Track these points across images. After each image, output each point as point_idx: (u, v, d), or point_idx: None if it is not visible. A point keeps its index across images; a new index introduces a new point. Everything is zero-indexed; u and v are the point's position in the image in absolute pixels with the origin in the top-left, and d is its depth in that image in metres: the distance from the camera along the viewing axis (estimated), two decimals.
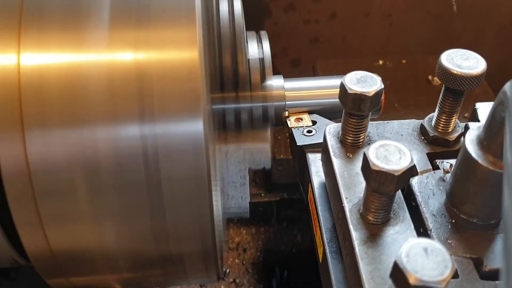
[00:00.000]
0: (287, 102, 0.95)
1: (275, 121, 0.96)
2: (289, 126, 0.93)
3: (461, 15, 1.70)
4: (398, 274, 0.56)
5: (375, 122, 0.85)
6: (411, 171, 0.65)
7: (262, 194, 1.56)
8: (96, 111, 0.65)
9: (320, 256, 0.83)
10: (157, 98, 0.65)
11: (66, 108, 0.64)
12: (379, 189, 0.66)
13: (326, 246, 0.80)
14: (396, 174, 0.64)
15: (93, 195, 0.68)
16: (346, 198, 0.74)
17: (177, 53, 0.66)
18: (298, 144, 0.91)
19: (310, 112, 0.96)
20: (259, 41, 0.94)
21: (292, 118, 0.94)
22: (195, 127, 0.66)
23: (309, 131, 0.92)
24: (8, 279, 0.88)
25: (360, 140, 0.80)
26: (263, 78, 0.92)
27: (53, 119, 0.64)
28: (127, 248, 0.75)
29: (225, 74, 0.87)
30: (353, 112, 0.77)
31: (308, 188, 0.89)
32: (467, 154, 0.66)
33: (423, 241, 0.57)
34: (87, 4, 0.66)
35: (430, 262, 0.55)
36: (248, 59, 0.90)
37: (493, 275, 0.67)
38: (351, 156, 0.80)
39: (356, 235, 0.70)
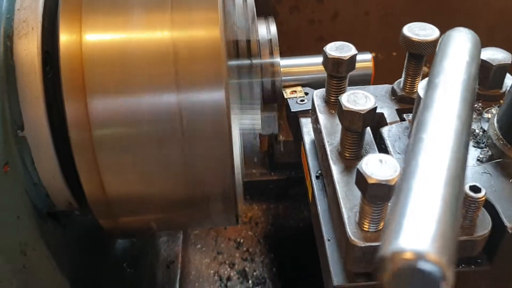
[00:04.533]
0: (290, 77, 1.13)
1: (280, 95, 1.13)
2: (285, 97, 1.12)
3: (453, 12, 1.87)
4: (360, 178, 0.73)
5: (353, 87, 1.03)
6: (374, 111, 0.83)
7: (272, 173, 1.75)
8: (140, 81, 0.80)
9: (310, 196, 1.00)
10: (188, 70, 0.80)
11: (118, 77, 0.80)
12: (350, 126, 0.84)
13: (314, 185, 0.98)
14: (362, 112, 0.82)
15: (137, 147, 0.83)
16: (328, 141, 0.92)
17: (203, 32, 0.82)
18: (292, 110, 1.10)
19: (302, 85, 1.15)
20: (268, 25, 1.11)
21: (288, 90, 1.13)
22: (218, 93, 0.81)
23: (302, 100, 1.11)
24: (60, 224, 0.96)
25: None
26: (271, 55, 1.09)
27: (109, 84, 0.80)
28: (165, 191, 0.89)
29: (240, 48, 1.02)
30: (333, 74, 0.96)
31: (301, 147, 1.07)
32: None
33: (380, 155, 0.74)
34: None
35: (383, 168, 0.73)
36: (258, 39, 1.06)
37: None
38: (333, 112, 0.98)
39: (334, 168, 0.88)
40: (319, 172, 0.98)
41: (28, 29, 0.81)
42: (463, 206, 0.77)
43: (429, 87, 0.60)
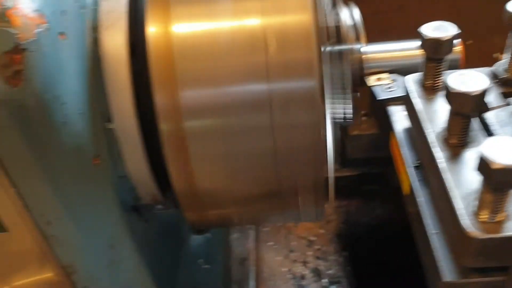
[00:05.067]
0: (376, 64, 1.08)
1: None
2: (368, 85, 1.06)
3: None
4: (482, 164, 0.67)
5: (450, 71, 0.96)
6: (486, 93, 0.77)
7: (342, 169, 1.68)
8: (231, 70, 0.78)
9: (407, 188, 0.94)
10: (279, 58, 0.78)
11: (209, 67, 0.78)
12: (460, 110, 0.78)
13: (411, 176, 0.92)
14: (473, 94, 0.76)
15: (228, 138, 0.81)
16: (429, 129, 0.86)
17: (294, 18, 0.79)
18: (378, 98, 1.04)
19: (390, 72, 1.08)
20: (351, 12, 1.06)
21: (372, 78, 1.07)
22: (311, 81, 0.78)
23: (389, 87, 1.05)
24: (143, 219, 0.96)
25: (439, 84, 0.92)
26: (357, 38, 1.04)
27: (199, 75, 0.78)
28: (254, 183, 0.87)
29: (330, 34, 0.96)
30: (431, 57, 0.90)
31: (389, 138, 1.02)
32: None
33: (502, 138, 0.68)
34: None
35: (508, 152, 0.67)
36: (347, 24, 1.01)
37: None
38: (431, 97, 0.92)
39: (440, 156, 0.82)
40: (419, 162, 0.92)
41: (114, 20, 0.80)
42: None
43: None
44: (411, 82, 0.94)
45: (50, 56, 0.67)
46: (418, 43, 0.92)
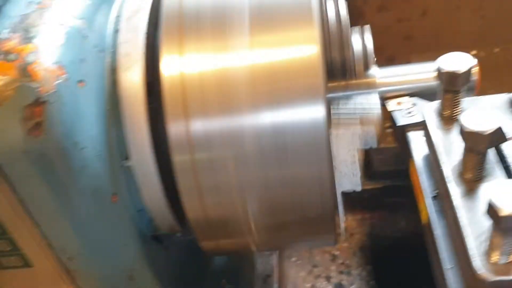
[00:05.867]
0: (385, 88, 1.08)
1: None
2: (389, 110, 1.06)
3: None
4: (491, 210, 0.67)
5: (468, 98, 0.95)
6: (501, 130, 0.76)
7: (367, 182, 1.68)
8: (241, 103, 0.81)
9: (425, 218, 0.94)
10: (287, 91, 0.80)
11: (219, 100, 0.81)
12: (474, 147, 0.78)
13: (429, 207, 0.92)
14: (486, 133, 0.76)
15: (238, 168, 0.83)
16: (445, 162, 0.86)
17: (301, 50, 0.81)
18: (398, 124, 1.04)
19: (410, 96, 1.08)
20: (362, 35, 1.06)
21: (392, 102, 1.07)
22: (318, 113, 0.80)
23: (409, 112, 1.05)
24: (163, 246, 0.99)
25: (456, 114, 0.91)
26: (366, 67, 1.04)
27: (209, 108, 0.81)
28: (264, 212, 0.89)
29: (334, 66, 0.99)
30: (448, 88, 0.89)
31: (409, 164, 1.02)
32: None
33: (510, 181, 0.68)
34: (230, 17, 0.83)
35: None
36: (353, 51, 1.02)
37: None
38: (449, 128, 0.91)
39: (454, 191, 0.82)
40: (436, 192, 0.92)
41: (131, 62, 0.84)
42: None
43: None
44: (429, 111, 0.94)
45: (69, 104, 0.70)
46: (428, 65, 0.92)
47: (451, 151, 0.88)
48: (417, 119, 1.02)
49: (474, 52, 1.73)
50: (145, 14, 0.88)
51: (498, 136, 0.77)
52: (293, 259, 1.67)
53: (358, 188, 1.06)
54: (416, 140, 1.00)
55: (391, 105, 1.07)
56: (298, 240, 1.05)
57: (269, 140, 0.82)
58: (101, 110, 0.79)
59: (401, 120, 1.04)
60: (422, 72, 1.10)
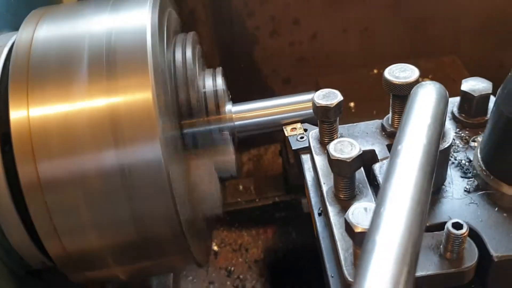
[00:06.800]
0: (237, 123, 1.21)
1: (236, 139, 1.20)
2: (286, 134, 1.19)
3: (435, 21, 1.91)
4: (348, 227, 0.80)
5: (347, 125, 1.09)
6: (360, 158, 0.90)
7: (257, 200, 1.83)
8: (83, 143, 0.89)
9: (315, 232, 1.07)
10: (126, 131, 0.89)
11: (63, 143, 0.89)
12: (340, 172, 0.91)
13: (317, 222, 1.05)
14: (348, 161, 0.89)
15: (88, 205, 0.91)
16: (324, 183, 1.00)
17: (136, 95, 0.90)
18: (293, 148, 1.17)
19: (302, 122, 1.22)
20: (214, 76, 1.18)
21: (288, 128, 1.21)
22: (154, 149, 0.89)
23: (301, 137, 1.18)
24: (42, 279, 1.05)
25: (333, 140, 1.05)
26: (217, 105, 1.16)
27: (54, 152, 0.89)
28: (119, 243, 0.97)
29: (184, 106, 1.09)
30: (323, 120, 1.03)
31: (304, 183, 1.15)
32: None
33: (364, 203, 0.81)
34: (70, 67, 0.91)
35: (368, 216, 0.80)
36: (205, 91, 1.14)
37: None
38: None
39: (330, 209, 0.95)
40: (320, 209, 1.05)
41: None
42: (448, 242, 0.83)
43: (392, 155, 0.66)
44: (312, 138, 1.08)
45: None
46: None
47: (329, 174, 1.01)
48: (307, 143, 1.15)
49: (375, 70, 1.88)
50: None
51: (358, 163, 0.91)
52: (190, 278, 1.72)
53: (219, 212, 1.16)
54: (308, 162, 1.13)
55: (287, 130, 1.20)
56: (162, 269, 1.16)
57: (112, 180, 0.90)
58: None
59: (294, 144, 1.17)
60: (276, 106, 1.26)
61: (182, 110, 1.09)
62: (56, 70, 0.92)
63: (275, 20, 2.02)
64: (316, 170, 1.03)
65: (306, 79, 1.94)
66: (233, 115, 1.22)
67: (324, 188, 0.99)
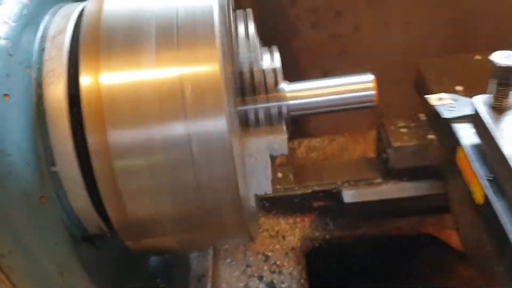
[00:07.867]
0: (292, 102, 1.15)
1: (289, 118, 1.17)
2: (431, 104, 1.17)
3: (479, 15, 1.95)
4: None
5: None
6: None
7: (296, 188, 1.82)
8: (151, 111, 0.89)
9: (480, 198, 1.06)
10: (193, 102, 0.89)
11: (131, 112, 0.88)
12: None
13: (486, 188, 1.03)
14: None
15: (153, 174, 0.91)
16: (503, 145, 0.99)
17: (204, 67, 0.91)
18: (443, 117, 1.15)
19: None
20: (272, 54, 1.16)
21: (433, 97, 1.19)
22: (220, 123, 0.90)
23: (451, 107, 1.17)
24: (94, 246, 1.03)
25: (506, 105, 1.05)
26: (276, 83, 1.13)
27: (124, 118, 0.88)
28: (180, 213, 0.96)
29: (245, 82, 1.09)
30: (502, 82, 1.02)
31: (454, 152, 1.14)
32: None
33: None
34: (139, 38, 0.91)
35: None
36: (264, 69, 1.12)
37: None
38: (499, 117, 1.04)
39: None
40: (492, 175, 1.04)
41: (55, 77, 0.91)
42: None
43: None
44: (480, 104, 1.06)
45: None
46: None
47: (505, 137, 1.01)
48: (460, 112, 1.15)
49: None
50: (68, 33, 0.96)
51: None
52: (228, 260, 1.73)
53: (269, 192, 1.15)
54: (463, 130, 1.12)
55: (433, 100, 1.18)
56: (216, 241, 1.15)
57: (179, 149, 0.90)
58: (28, 121, 0.85)
59: (446, 113, 1.16)
60: (332, 86, 1.20)
61: (244, 86, 1.09)
62: (125, 40, 0.93)
63: (317, 11, 2.00)
64: (488, 135, 1.02)
65: (346, 72, 1.93)
66: (288, 94, 1.17)
67: (506, 150, 0.98)
